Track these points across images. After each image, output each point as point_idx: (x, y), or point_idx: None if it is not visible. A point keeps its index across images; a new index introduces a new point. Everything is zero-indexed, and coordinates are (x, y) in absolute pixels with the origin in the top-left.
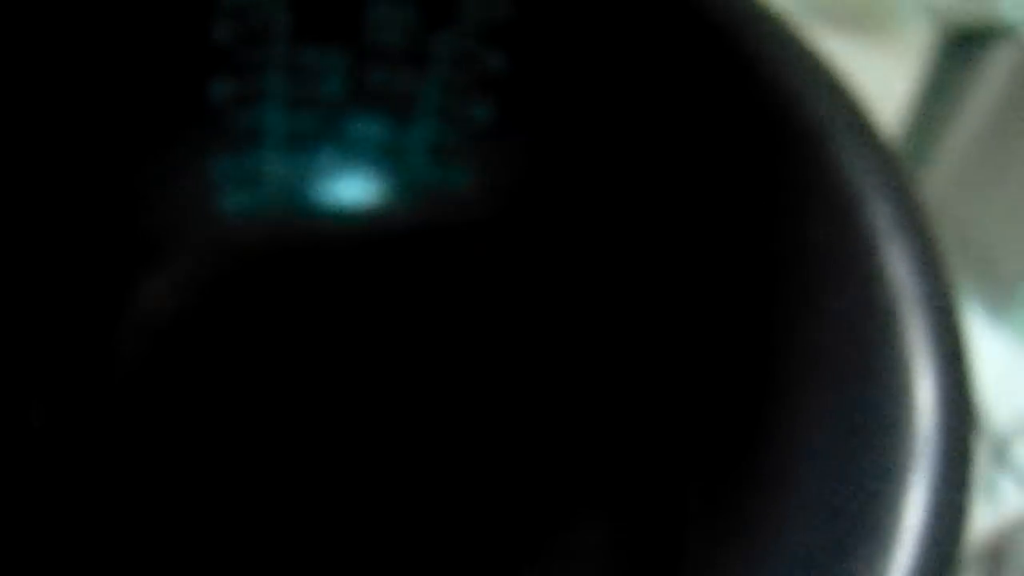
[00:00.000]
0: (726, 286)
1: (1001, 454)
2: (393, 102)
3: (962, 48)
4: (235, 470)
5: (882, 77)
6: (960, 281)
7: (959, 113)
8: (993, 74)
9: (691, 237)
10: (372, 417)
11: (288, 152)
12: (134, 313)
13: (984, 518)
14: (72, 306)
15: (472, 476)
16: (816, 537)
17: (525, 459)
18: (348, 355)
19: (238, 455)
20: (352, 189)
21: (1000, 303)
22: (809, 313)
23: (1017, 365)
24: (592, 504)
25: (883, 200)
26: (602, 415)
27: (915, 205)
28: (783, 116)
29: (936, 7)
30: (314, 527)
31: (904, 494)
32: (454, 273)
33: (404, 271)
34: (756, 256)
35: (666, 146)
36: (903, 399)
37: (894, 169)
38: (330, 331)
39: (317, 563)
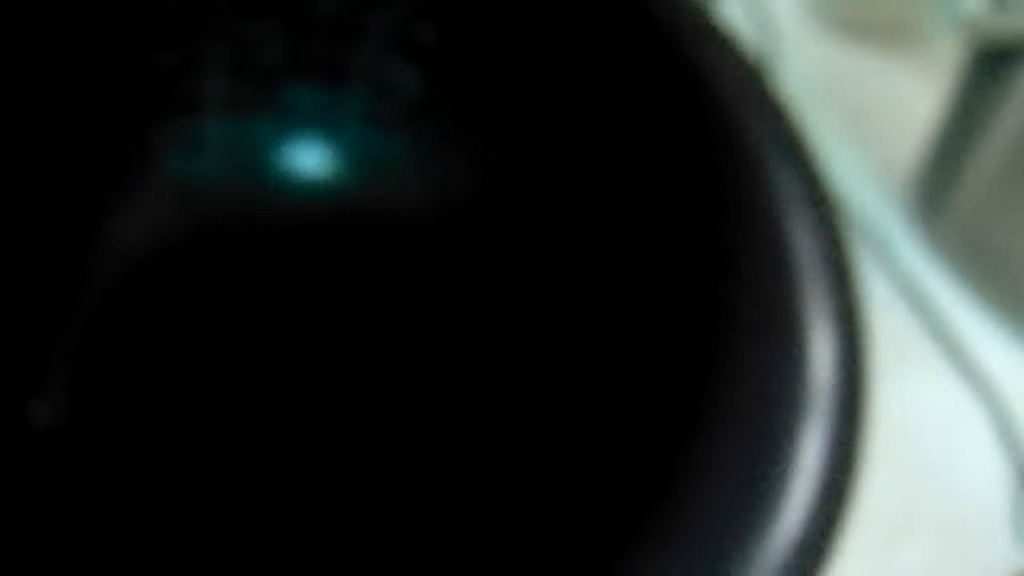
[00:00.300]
0: (653, 254)
1: None
2: (328, 72)
3: (992, 64)
4: (190, 425)
5: (912, 93)
6: (989, 300)
7: (989, 129)
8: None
9: (618, 203)
10: (314, 378)
11: (229, 119)
12: (89, 272)
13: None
14: (27, 272)
15: (404, 442)
16: (732, 486)
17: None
18: (293, 319)
19: (192, 405)
20: (290, 156)
21: None
22: (727, 280)
23: None
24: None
25: (788, 173)
26: (537, 375)
27: (816, 176)
28: (700, 96)
29: (966, 23)
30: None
31: (800, 440)
32: (393, 237)
33: (344, 236)
34: (681, 227)
35: (590, 117)
36: (802, 356)
37: (799, 143)
38: (274, 295)
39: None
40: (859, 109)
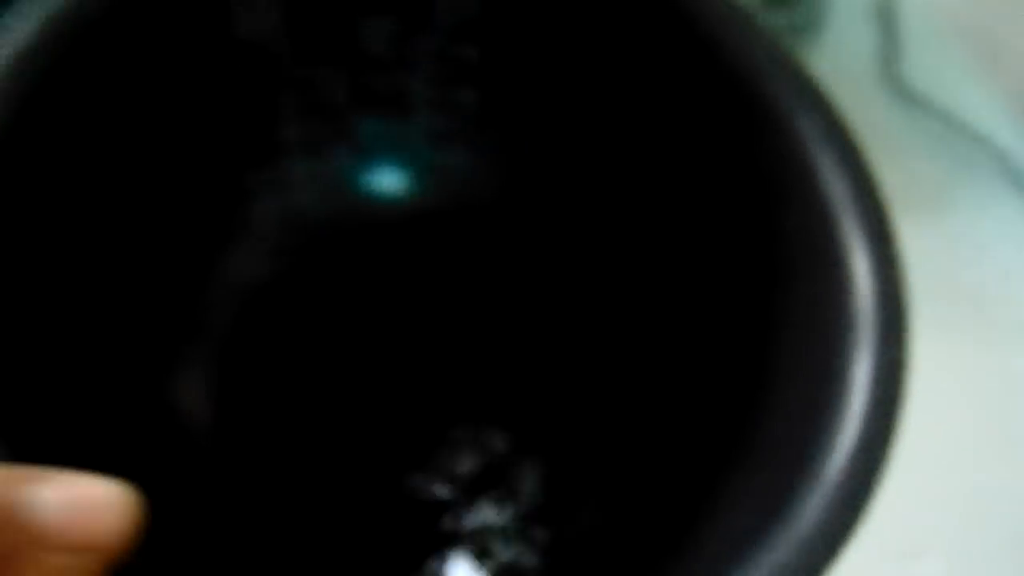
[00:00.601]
0: (708, 221)
1: None
2: (390, 101)
3: None
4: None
5: None
6: None
7: None
8: None
9: (665, 186)
10: (413, 349)
11: (309, 157)
12: (215, 295)
13: None
14: (166, 302)
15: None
16: (796, 406)
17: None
18: (393, 303)
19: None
20: (369, 179)
21: None
22: (773, 235)
23: None
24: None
25: (817, 126)
26: (602, 352)
27: (842, 123)
28: (730, 75)
29: None
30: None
31: (852, 358)
32: (467, 237)
33: (427, 239)
34: (730, 194)
35: (631, 109)
36: (845, 286)
37: (827, 104)
38: (375, 287)
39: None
40: (991, 45)
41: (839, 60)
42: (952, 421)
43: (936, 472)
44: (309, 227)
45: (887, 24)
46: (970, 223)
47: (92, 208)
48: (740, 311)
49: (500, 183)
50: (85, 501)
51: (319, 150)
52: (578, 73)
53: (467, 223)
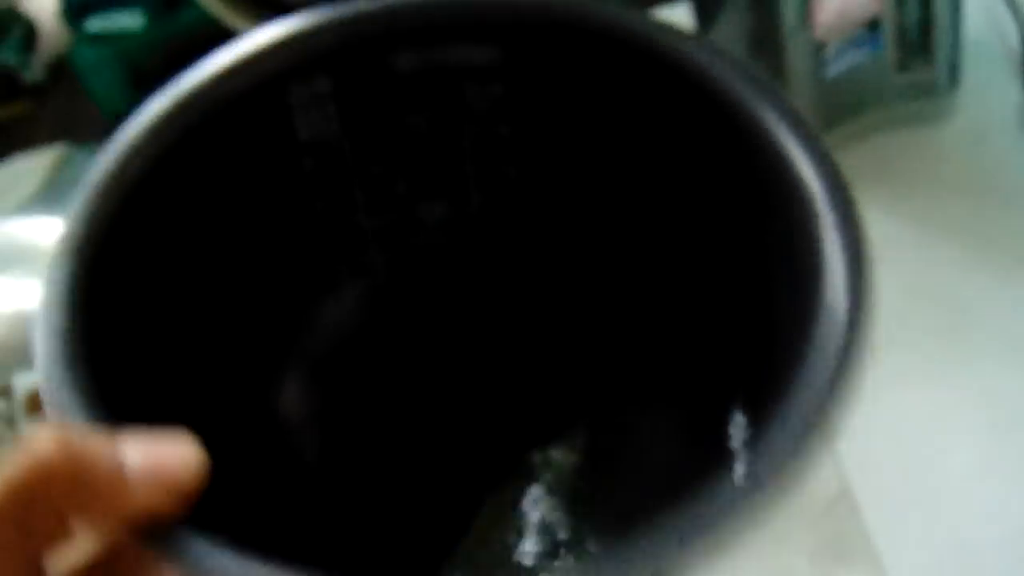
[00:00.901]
0: (720, 228)
1: None
2: (445, 185)
3: None
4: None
5: None
6: None
7: None
8: None
9: (682, 207)
10: (492, 349)
11: (383, 242)
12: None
13: None
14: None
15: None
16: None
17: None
18: (460, 339)
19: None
20: (433, 247)
21: None
22: (766, 231)
23: None
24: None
25: (797, 142)
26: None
27: (819, 137)
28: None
29: None
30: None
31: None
32: (519, 282)
33: (485, 287)
34: (735, 205)
35: (647, 154)
36: (823, 259)
37: (805, 121)
38: (442, 326)
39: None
40: None
41: (978, 115)
42: None
43: None
44: (386, 290)
45: None
46: None
47: (216, 275)
48: (747, 293)
49: (542, 232)
50: (161, 451)
51: (389, 236)
52: (598, 128)
53: (517, 272)
